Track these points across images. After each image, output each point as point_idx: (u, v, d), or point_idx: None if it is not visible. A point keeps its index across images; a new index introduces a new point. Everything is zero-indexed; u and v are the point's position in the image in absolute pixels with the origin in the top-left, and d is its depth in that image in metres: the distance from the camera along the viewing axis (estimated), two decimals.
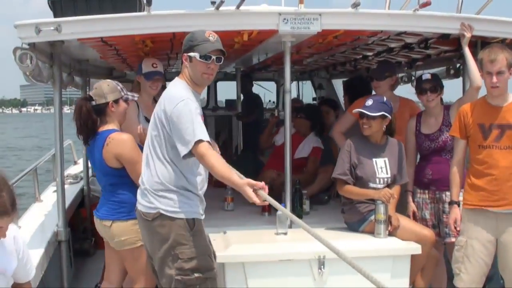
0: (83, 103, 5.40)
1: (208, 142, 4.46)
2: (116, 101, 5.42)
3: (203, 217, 4.82)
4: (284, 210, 4.49)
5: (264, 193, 4.38)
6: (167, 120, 4.56)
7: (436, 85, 6.19)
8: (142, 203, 4.77)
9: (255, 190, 4.30)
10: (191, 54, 4.61)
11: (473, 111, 5.47)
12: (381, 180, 5.89)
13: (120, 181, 5.36)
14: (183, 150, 4.47)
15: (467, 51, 5.98)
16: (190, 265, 4.61)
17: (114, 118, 5.45)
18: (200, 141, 4.41)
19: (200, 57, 4.57)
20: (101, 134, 5.38)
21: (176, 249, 4.63)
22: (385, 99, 6.03)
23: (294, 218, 4.45)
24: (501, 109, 5.34)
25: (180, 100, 4.53)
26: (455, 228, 5.64)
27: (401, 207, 6.23)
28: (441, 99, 6.37)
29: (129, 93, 5.57)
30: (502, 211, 5.30)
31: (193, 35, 4.67)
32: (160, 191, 4.67)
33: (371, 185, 5.87)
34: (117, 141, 5.30)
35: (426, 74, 6.36)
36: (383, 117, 5.86)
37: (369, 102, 5.91)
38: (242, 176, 4.54)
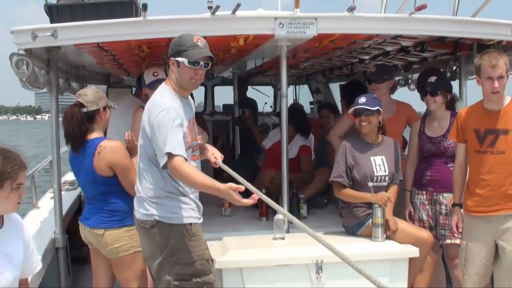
0: (76, 110, 5.31)
1: (181, 156, 4.43)
2: (104, 108, 5.41)
3: (200, 221, 4.81)
4: (283, 210, 4.51)
5: (261, 193, 4.41)
6: (150, 128, 4.56)
7: (436, 89, 6.15)
8: (140, 211, 4.76)
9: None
10: (179, 59, 4.58)
11: (469, 116, 5.52)
12: (379, 178, 5.89)
13: (111, 189, 5.33)
14: (160, 162, 4.48)
15: None
16: (188, 270, 4.62)
17: (101, 125, 5.44)
18: (171, 154, 4.40)
19: (189, 62, 4.54)
20: (91, 143, 5.32)
21: (174, 255, 4.63)
22: (374, 95, 6.13)
23: (293, 218, 4.46)
24: (496, 114, 5.37)
25: (162, 110, 4.51)
26: (457, 229, 5.69)
27: (399, 208, 6.25)
28: (450, 104, 6.30)
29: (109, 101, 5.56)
30: (496, 214, 5.36)
31: (181, 39, 4.63)
32: (155, 198, 4.67)
33: (370, 184, 5.87)
34: (110, 149, 5.27)
35: (433, 77, 6.31)
36: (378, 112, 5.89)
37: (363, 99, 5.91)
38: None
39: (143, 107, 6.26)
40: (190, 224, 4.67)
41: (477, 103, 5.59)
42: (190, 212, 4.70)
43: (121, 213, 5.30)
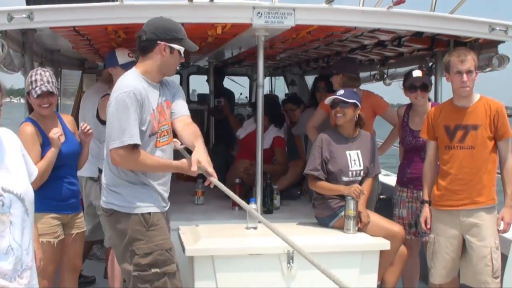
0: None
1: (135, 144, 4.40)
2: (28, 93, 5.37)
3: (165, 209, 4.75)
4: (248, 207, 4.54)
5: (218, 182, 4.41)
6: (108, 107, 4.52)
7: (427, 83, 6.18)
8: (102, 199, 4.73)
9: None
10: (176, 46, 4.51)
11: (440, 113, 5.59)
12: (354, 173, 5.90)
13: None
14: (111, 144, 4.42)
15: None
16: (146, 260, 4.52)
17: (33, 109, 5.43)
18: (129, 144, 4.37)
19: (183, 52, 4.53)
20: None
21: (132, 245, 4.55)
22: (354, 90, 6.16)
23: (256, 214, 4.50)
24: (466, 110, 5.45)
25: (123, 91, 4.42)
26: (426, 226, 5.72)
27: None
28: (429, 98, 6.36)
29: (34, 88, 5.35)
30: (464, 209, 5.43)
31: (176, 27, 4.57)
32: (112, 186, 4.61)
33: (344, 178, 5.87)
34: (19, 131, 5.18)
35: (417, 71, 6.29)
36: (355, 105, 5.90)
37: (341, 91, 5.95)
38: None
39: (109, 95, 6.16)
40: (149, 213, 4.58)
41: (447, 101, 5.69)
42: (148, 201, 4.60)
43: None
